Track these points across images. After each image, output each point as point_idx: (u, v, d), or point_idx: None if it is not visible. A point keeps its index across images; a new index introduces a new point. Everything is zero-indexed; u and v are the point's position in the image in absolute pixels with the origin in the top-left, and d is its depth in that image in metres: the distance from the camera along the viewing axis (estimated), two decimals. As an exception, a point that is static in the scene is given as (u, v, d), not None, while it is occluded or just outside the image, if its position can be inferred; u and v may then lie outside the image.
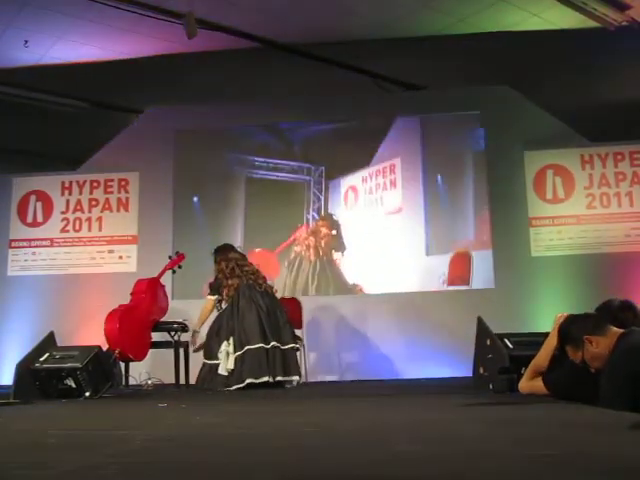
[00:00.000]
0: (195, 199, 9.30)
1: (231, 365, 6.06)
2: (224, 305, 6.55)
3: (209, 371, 6.17)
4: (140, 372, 6.46)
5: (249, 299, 6.39)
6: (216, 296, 6.61)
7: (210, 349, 6.28)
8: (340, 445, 2.31)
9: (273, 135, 9.66)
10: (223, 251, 6.81)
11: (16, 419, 3.77)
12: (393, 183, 9.07)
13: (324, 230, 9.23)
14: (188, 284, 8.69)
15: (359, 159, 9.27)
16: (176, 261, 7.43)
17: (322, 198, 9.51)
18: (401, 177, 9.05)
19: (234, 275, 6.55)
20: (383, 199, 9.12)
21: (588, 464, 1.80)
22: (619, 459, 1.85)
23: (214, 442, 2.45)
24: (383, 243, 8.94)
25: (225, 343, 6.18)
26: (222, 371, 6.06)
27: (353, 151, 9.27)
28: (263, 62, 8.12)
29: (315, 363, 8.01)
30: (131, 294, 6.96)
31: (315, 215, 9.47)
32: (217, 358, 6.16)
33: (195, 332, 6.62)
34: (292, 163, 9.56)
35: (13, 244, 8.96)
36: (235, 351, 6.12)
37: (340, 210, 9.27)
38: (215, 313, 6.58)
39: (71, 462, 2.03)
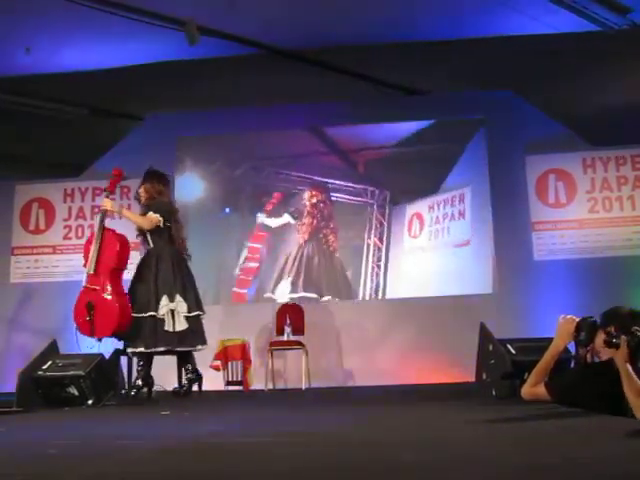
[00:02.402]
0: (227, 210, 9.45)
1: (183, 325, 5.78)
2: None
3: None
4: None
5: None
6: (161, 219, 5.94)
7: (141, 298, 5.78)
8: (341, 454, 2.31)
9: (338, 155, 9.51)
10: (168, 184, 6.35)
11: (18, 428, 3.77)
12: (462, 214, 8.87)
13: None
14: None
15: (426, 185, 9.07)
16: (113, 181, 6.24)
17: (385, 223, 9.29)
18: (470, 207, 8.84)
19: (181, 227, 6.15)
20: (450, 229, 8.91)
21: (584, 472, 1.79)
22: (612, 467, 1.85)
23: (216, 452, 2.45)
24: (448, 276, 8.75)
25: (166, 298, 5.75)
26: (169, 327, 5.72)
27: (421, 176, 9.11)
28: (265, 68, 8.11)
29: (317, 368, 7.99)
30: None
31: (377, 240, 9.22)
32: (151, 311, 5.69)
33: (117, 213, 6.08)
34: (356, 185, 9.38)
35: (16, 251, 8.98)
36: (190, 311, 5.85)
37: (404, 238, 9.07)
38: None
39: (72, 473, 2.03)
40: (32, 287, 8.71)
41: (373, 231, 9.31)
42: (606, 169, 8.61)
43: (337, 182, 9.45)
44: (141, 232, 6.01)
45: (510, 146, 8.60)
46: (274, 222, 9.42)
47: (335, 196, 9.41)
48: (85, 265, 5.75)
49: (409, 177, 9.17)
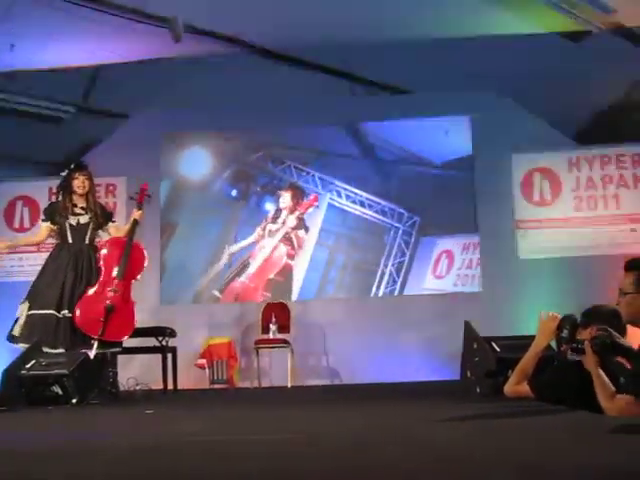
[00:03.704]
0: (234, 192, 9.20)
1: None
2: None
3: None
4: (127, 378, 6.42)
5: None
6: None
7: None
8: (324, 451, 2.31)
9: (370, 165, 9.10)
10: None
11: (0, 427, 3.75)
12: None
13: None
14: (175, 290, 8.71)
15: (464, 222, 8.65)
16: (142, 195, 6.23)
17: (407, 254, 8.79)
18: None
19: None
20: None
21: (566, 465, 1.80)
22: (594, 459, 1.86)
23: (199, 450, 2.45)
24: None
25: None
26: None
27: (459, 209, 8.65)
28: (249, 67, 8.10)
29: (302, 367, 8.00)
30: None
31: (392, 270, 8.73)
32: None
33: None
34: (384, 202, 8.85)
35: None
36: None
37: (426, 276, 8.66)
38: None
39: (55, 472, 2.02)
40: (16, 286, 8.63)
41: (392, 259, 8.79)
42: (591, 168, 8.65)
43: (361, 193, 8.93)
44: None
45: (495, 145, 8.62)
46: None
47: (356, 209, 8.92)
48: (102, 268, 5.76)
49: (447, 207, 8.57)
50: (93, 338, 5.46)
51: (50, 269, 5.81)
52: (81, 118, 9.15)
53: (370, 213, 8.90)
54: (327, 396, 5.92)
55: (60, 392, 4.89)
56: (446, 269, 8.65)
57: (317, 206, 8.94)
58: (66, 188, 5.94)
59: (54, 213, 5.97)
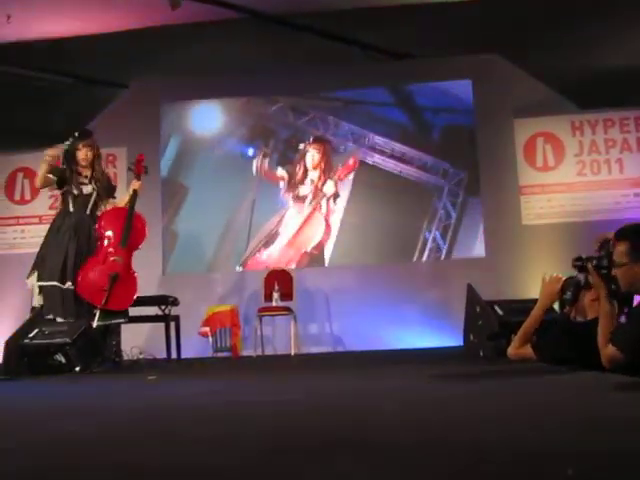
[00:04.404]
0: (250, 150, 8.54)
1: None
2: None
3: None
4: (131, 347, 6.42)
5: None
6: None
7: None
8: (324, 410, 2.30)
9: (406, 111, 8.43)
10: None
11: (4, 394, 3.75)
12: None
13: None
14: (180, 259, 8.68)
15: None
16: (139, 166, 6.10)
17: (454, 216, 8.29)
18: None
19: None
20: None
21: (569, 417, 1.79)
22: (596, 412, 1.85)
23: (201, 412, 2.44)
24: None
25: None
26: None
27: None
28: (249, 33, 8.02)
29: (305, 335, 8.00)
30: None
31: (438, 235, 8.13)
32: None
33: None
34: (425, 156, 8.18)
35: (1, 222, 8.92)
36: None
37: (476, 240, 8.20)
38: None
39: (56, 429, 2.01)
40: (18, 258, 8.64)
41: (436, 223, 8.27)
42: (594, 132, 8.57)
43: (399, 146, 8.20)
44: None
45: (497, 110, 8.54)
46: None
47: (393, 164, 8.24)
48: (101, 237, 5.72)
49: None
50: (96, 307, 5.45)
51: (53, 240, 5.78)
52: (79, 88, 9.10)
53: (409, 169, 8.36)
54: (330, 362, 5.92)
55: (63, 361, 4.89)
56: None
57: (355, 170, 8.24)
58: (70, 159, 5.89)
59: (62, 178, 5.88)
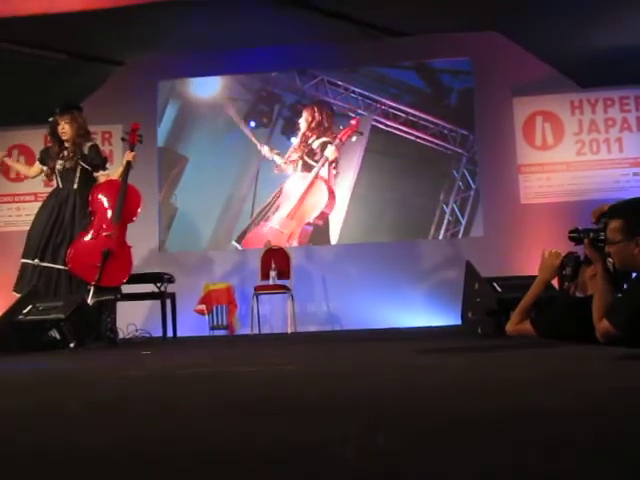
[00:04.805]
0: (252, 123, 8.24)
1: None
2: None
3: None
4: (127, 324, 6.39)
5: None
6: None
7: None
8: (322, 378, 2.26)
9: (422, 74, 8.03)
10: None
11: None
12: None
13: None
14: (178, 236, 8.62)
15: None
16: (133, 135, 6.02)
17: (474, 187, 7.96)
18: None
19: None
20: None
21: (568, 388, 1.75)
22: (596, 383, 1.81)
23: (197, 380, 2.41)
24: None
25: None
26: None
27: None
28: (247, 10, 7.92)
29: (303, 313, 7.97)
30: None
31: (456, 208, 7.78)
32: None
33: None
34: (440, 122, 7.84)
35: (-3, 200, 8.88)
36: None
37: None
38: None
39: (43, 398, 1.98)
40: (14, 236, 8.58)
41: (454, 194, 7.97)
42: (594, 111, 8.52)
43: (411, 111, 7.78)
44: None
45: (497, 88, 8.47)
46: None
47: (407, 131, 7.83)
48: (94, 212, 5.65)
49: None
50: (89, 284, 5.41)
51: (37, 217, 5.77)
52: (76, 65, 9.00)
53: (425, 136, 8.06)
54: (326, 339, 5.88)
55: (58, 337, 4.85)
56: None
57: (361, 132, 7.99)
58: (54, 134, 5.86)
59: (46, 156, 5.90)
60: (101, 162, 5.93)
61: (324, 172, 8.11)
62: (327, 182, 8.12)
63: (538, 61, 8.41)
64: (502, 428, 1.25)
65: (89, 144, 5.87)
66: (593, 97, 8.53)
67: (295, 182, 8.23)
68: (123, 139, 6.08)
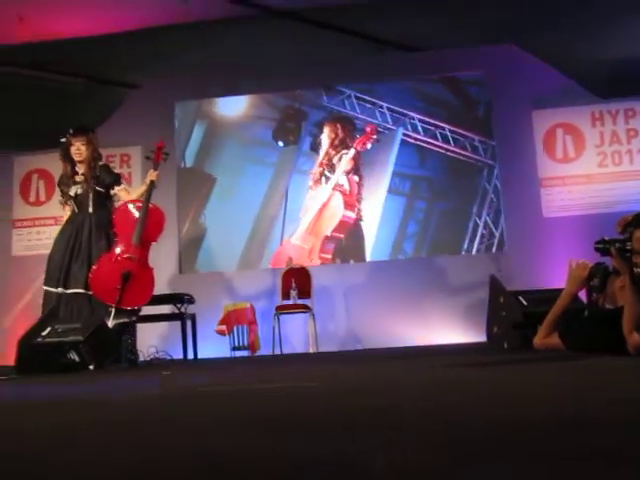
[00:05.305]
0: (280, 143, 8.24)
1: None
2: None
3: None
4: (148, 346, 6.33)
5: None
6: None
7: None
8: (340, 394, 2.19)
9: (449, 87, 8.07)
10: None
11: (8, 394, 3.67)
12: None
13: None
14: (192, 258, 8.57)
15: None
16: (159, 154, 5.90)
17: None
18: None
19: None
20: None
21: (599, 397, 1.67)
22: (627, 393, 1.73)
23: (216, 398, 2.34)
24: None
25: None
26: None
27: None
28: (260, 29, 7.92)
29: (323, 333, 7.86)
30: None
31: (488, 220, 7.68)
32: None
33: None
34: (469, 134, 7.84)
35: (17, 224, 8.89)
36: None
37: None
38: None
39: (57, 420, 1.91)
40: (35, 260, 8.59)
41: (486, 206, 7.92)
42: (615, 122, 8.41)
43: (442, 125, 7.81)
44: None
45: (516, 101, 8.38)
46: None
47: (437, 145, 7.82)
48: (117, 233, 5.62)
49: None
50: (110, 306, 5.35)
51: (56, 244, 5.74)
52: (92, 89, 9.05)
53: (456, 149, 8.00)
54: (348, 358, 5.79)
55: (77, 359, 4.79)
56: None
57: (377, 140, 7.91)
58: (65, 156, 5.82)
59: (60, 184, 5.87)
60: (114, 179, 5.86)
61: (344, 182, 8.03)
62: (344, 193, 8.04)
63: (557, 73, 8.33)
64: (534, 438, 1.17)
65: (100, 163, 5.83)
66: (614, 108, 8.42)
67: (314, 196, 8.20)
68: (148, 157, 5.91)
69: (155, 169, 5.76)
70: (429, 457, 1.06)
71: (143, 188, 5.78)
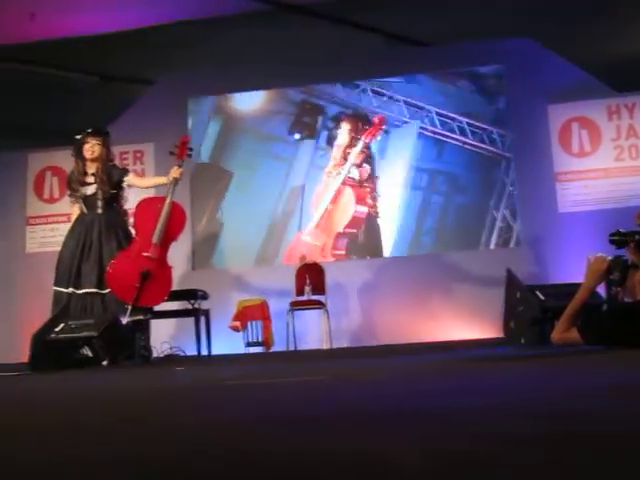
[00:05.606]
0: (296, 135, 8.19)
1: None
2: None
3: None
4: (161, 342, 6.32)
5: None
6: None
7: None
8: (357, 389, 2.15)
9: (465, 79, 7.98)
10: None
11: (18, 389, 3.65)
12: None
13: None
14: (209, 254, 8.55)
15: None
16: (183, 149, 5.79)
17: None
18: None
19: None
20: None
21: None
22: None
23: (233, 391, 2.32)
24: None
25: None
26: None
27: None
28: (273, 25, 7.88)
29: (339, 329, 7.82)
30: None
31: (506, 213, 7.60)
32: None
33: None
34: (487, 127, 7.73)
35: (31, 221, 8.89)
36: None
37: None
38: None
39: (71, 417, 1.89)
40: (49, 256, 8.59)
41: (504, 200, 7.83)
42: (632, 115, 8.31)
43: (460, 118, 7.67)
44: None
45: (531, 95, 8.30)
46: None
47: (455, 138, 7.71)
48: (137, 231, 5.60)
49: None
50: (127, 304, 5.31)
51: (65, 245, 5.72)
52: (105, 86, 9.05)
53: (474, 142, 7.88)
54: (363, 353, 5.76)
55: (90, 354, 4.79)
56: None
57: (385, 131, 7.81)
58: (78, 153, 5.78)
59: (70, 181, 5.84)
60: (121, 173, 5.81)
61: (354, 174, 7.99)
62: (354, 186, 7.99)
63: (572, 66, 8.24)
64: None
65: (109, 164, 5.79)
66: (630, 101, 8.32)
67: (325, 191, 8.16)
68: (172, 153, 5.77)
69: (179, 166, 5.66)
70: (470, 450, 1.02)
71: (157, 179, 5.74)
